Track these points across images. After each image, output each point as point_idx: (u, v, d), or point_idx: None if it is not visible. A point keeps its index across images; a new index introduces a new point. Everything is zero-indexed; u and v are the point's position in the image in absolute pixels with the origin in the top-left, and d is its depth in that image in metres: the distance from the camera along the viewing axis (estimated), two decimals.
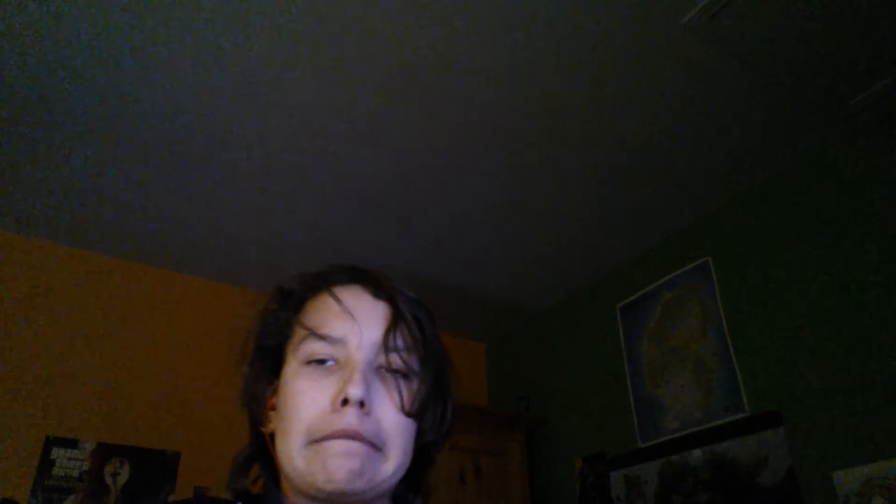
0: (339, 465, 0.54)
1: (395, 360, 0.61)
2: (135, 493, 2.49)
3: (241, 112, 2.08)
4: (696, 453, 2.37)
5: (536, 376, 3.36)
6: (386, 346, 0.60)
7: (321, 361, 0.60)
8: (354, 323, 0.60)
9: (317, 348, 0.60)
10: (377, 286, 0.64)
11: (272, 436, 0.62)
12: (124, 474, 2.50)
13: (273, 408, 0.63)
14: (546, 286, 3.20)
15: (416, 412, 0.60)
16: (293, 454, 0.57)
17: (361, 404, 0.56)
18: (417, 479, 0.65)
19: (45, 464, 2.38)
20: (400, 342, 0.61)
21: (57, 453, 2.41)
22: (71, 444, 2.45)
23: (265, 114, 2.09)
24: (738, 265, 2.45)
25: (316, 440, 0.56)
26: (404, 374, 0.61)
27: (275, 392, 0.63)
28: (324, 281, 0.66)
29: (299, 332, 0.62)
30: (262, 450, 0.64)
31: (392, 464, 0.58)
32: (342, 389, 0.56)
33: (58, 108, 2.03)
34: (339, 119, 2.12)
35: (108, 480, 2.47)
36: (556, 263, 2.99)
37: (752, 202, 2.46)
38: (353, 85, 1.99)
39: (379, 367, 0.60)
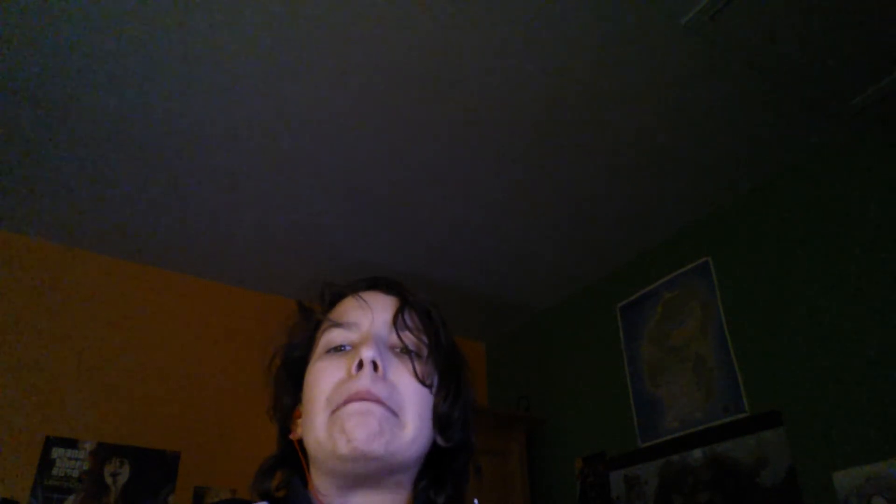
0: (356, 423, 0.56)
1: (407, 337, 0.65)
2: (135, 493, 2.49)
3: (241, 113, 2.08)
4: (696, 453, 2.37)
5: (536, 376, 3.35)
6: (396, 324, 0.65)
7: (339, 349, 0.64)
8: (367, 309, 0.66)
9: (334, 335, 0.65)
10: (388, 285, 0.70)
11: (300, 442, 0.64)
12: (124, 474, 2.50)
13: (300, 415, 0.66)
14: (546, 286, 3.20)
15: (428, 381, 0.63)
16: (317, 427, 0.59)
17: (375, 367, 0.59)
18: (442, 475, 0.66)
19: (45, 464, 2.38)
20: (409, 322, 0.66)
21: (57, 453, 2.41)
22: (71, 444, 2.45)
23: (265, 115, 2.09)
24: (738, 265, 2.45)
25: (335, 408, 0.59)
26: (417, 353, 0.65)
27: (300, 401, 0.66)
28: (343, 289, 0.71)
29: (321, 331, 0.67)
30: (289, 456, 0.66)
31: (410, 430, 0.60)
32: (356, 355, 0.60)
33: (58, 108, 2.03)
34: (339, 120, 2.12)
35: (108, 480, 2.47)
36: (556, 263, 2.99)
37: (752, 202, 2.46)
38: (353, 86, 1.99)
39: (392, 347, 0.64)
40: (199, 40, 1.82)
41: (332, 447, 0.57)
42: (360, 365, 0.59)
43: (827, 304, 2.11)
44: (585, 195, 2.51)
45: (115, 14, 1.73)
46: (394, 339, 0.64)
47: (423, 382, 0.62)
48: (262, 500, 0.64)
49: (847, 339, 2.02)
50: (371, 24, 1.78)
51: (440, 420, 0.64)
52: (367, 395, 0.58)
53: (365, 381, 0.58)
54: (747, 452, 2.20)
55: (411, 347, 0.65)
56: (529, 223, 2.69)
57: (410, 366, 0.63)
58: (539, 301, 3.34)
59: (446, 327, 0.69)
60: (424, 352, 0.65)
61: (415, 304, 0.68)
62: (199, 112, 2.07)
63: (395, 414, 0.59)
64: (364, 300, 0.66)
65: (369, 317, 0.65)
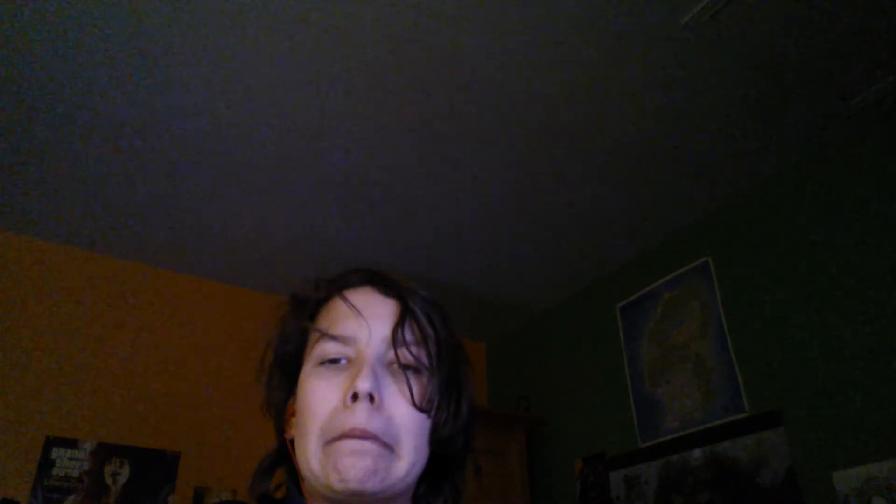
0: (350, 464, 0.55)
1: (405, 354, 0.61)
2: (135, 493, 2.49)
3: (241, 113, 2.08)
4: (696, 453, 2.37)
5: (536, 376, 3.36)
6: (395, 340, 0.61)
7: (334, 361, 0.61)
8: (364, 321, 0.61)
9: (328, 348, 0.61)
10: (386, 285, 0.65)
11: (293, 441, 0.62)
12: (124, 474, 2.51)
13: (294, 414, 0.64)
14: (546, 286, 3.20)
15: (427, 406, 0.60)
16: (309, 456, 0.57)
17: (371, 398, 0.56)
18: (439, 480, 0.64)
19: (45, 464, 2.38)
20: (409, 336, 0.62)
21: (57, 453, 2.41)
22: (71, 444, 2.45)
23: (265, 114, 2.09)
24: (738, 265, 2.45)
25: (329, 441, 0.56)
26: (415, 369, 0.61)
27: (294, 399, 0.65)
28: (336, 285, 0.66)
29: (313, 336, 0.63)
30: (286, 455, 0.65)
31: (405, 462, 0.57)
32: (352, 385, 0.57)
33: (58, 108, 2.03)
34: (339, 119, 2.12)
35: (108, 480, 2.47)
36: (556, 263, 2.99)
37: (752, 202, 2.46)
38: (353, 84, 1.99)
39: (390, 364, 0.61)
40: (199, 41, 1.82)
41: (325, 481, 0.56)
42: (356, 396, 0.56)
43: (827, 304, 2.11)
44: (585, 195, 2.51)
45: (115, 15, 1.73)
46: (391, 355, 0.61)
47: (420, 409, 0.59)
48: (261, 502, 0.63)
49: (847, 340, 2.02)
50: (372, 26, 1.78)
51: (439, 442, 0.62)
52: (363, 433, 0.55)
53: (361, 416, 0.56)
54: (747, 452, 2.20)
55: (409, 363, 0.61)
56: (530, 223, 2.69)
57: (408, 389, 0.59)
58: (539, 301, 3.34)
59: (452, 331, 0.66)
60: (424, 367, 0.62)
61: (415, 309, 0.63)
62: (199, 112, 2.07)
63: (390, 449, 0.57)
64: (359, 311, 0.62)
65: (366, 331, 0.61)
